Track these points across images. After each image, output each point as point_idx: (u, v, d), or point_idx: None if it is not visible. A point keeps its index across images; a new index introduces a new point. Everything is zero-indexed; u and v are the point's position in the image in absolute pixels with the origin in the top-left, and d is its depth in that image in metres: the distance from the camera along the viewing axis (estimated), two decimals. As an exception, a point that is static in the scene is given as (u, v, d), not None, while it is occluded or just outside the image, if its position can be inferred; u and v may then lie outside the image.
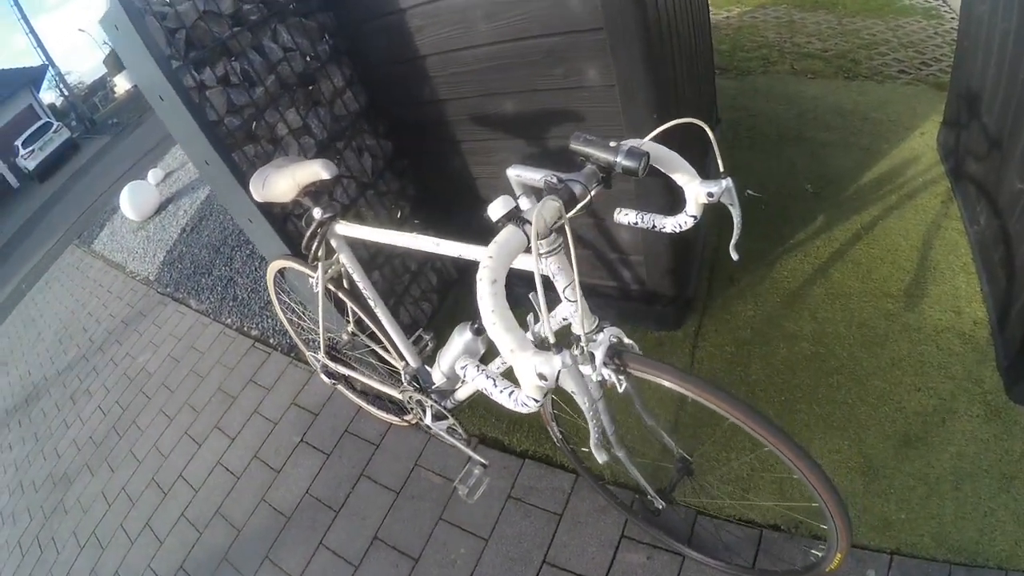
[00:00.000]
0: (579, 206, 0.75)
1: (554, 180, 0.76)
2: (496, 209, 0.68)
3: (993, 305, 1.81)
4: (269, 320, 3.08)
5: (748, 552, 1.48)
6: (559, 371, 0.59)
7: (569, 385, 0.67)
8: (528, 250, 0.71)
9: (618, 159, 0.73)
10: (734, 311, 2.06)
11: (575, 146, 0.77)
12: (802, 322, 1.95)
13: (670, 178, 0.88)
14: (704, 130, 0.79)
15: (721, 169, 0.81)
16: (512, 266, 0.70)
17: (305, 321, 2.02)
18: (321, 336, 1.73)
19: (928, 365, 1.75)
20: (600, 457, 0.96)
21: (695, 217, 0.88)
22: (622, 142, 0.75)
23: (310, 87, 1.84)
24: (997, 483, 1.47)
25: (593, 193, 0.77)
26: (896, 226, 2.20)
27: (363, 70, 1.92)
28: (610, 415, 1.16)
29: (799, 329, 1.93)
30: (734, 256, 0.91)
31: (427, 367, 1.52)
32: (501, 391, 0.71)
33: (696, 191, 0.84)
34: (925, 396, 1.68)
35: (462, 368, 0.77)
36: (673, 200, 1.62)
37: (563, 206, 0.72)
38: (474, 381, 0.75)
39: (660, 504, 1.29)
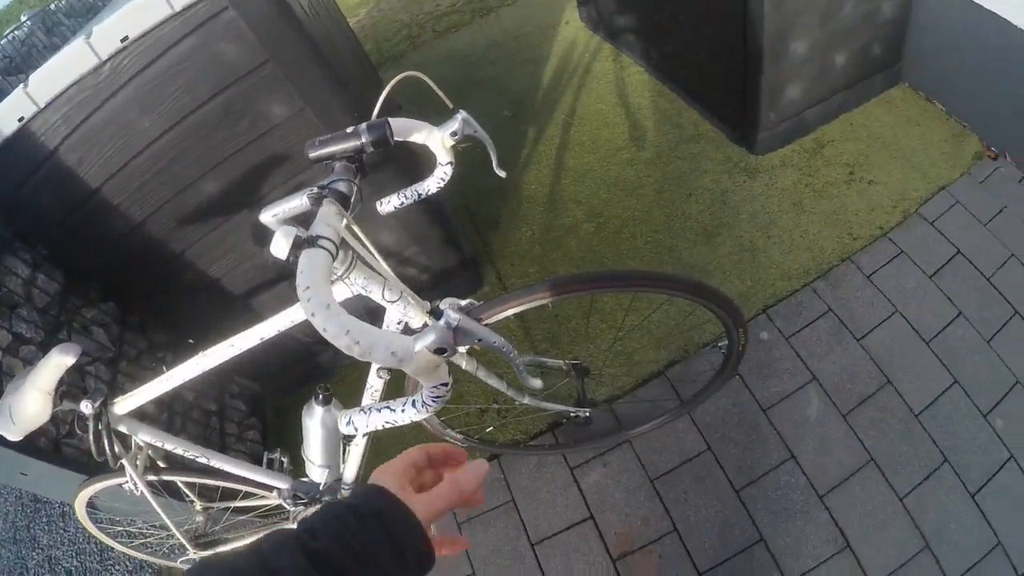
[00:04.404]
0: (354, 203, 0.72)
1: (315, 191, 0.71)
2: (280, 246, 0.60)
3: (700, 105, 2.26)
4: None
5: (671, 394, 1.64)
6: (455, 328, 0.57)
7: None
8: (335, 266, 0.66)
9: (363, 140, 0.71)
10: (515, 240, 2.20)
11: (314, 153, 0.73)
12: (572, 211, 2.18)
13: (410, 147, 0.88)
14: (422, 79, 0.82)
15: (451, 106, 0.84)
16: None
17: (148, 535, 1.65)
18: (179, 534, 1.43)
19: (686, 174, 2.11)
20: (534, 384, 1.00)
21: (451, 163, 0.89)
22: (357, 126, 0.73)
23: (-6, 293, 1.45)
24: (794, 214, 1.88)
25: (358, 185, 0.75)
26: (591, 99, 2.56)
27: (43, 242, 1.58)
28: (497, 376, 1.17)
29: (573, 218, 2.16)
30: (501, 174, 0.93)
31: (300, 479, 1.35)
32: (403, 409, 0.67)
33: (439, 138, 0.85)
34: (697, 195, 2.04)
35: (347, 424, 0.73)
36: (418, 164, 1.62)
37: (340, 209, 0.68)
38: (371, 425, 0.71)
39: (586, 412, 1.35)
